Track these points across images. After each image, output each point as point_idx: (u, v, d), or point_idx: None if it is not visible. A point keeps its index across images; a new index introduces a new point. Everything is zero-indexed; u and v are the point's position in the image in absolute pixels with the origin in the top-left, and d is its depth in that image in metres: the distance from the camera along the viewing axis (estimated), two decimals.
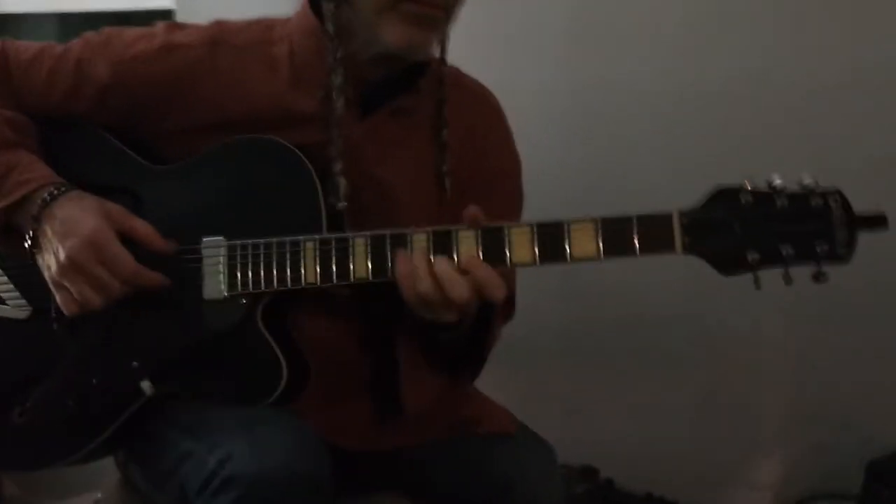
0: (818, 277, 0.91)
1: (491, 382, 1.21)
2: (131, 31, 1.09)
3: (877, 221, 0.90)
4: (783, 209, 0.90)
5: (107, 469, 1.22)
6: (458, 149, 1.11)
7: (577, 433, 1.24)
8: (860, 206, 0.91)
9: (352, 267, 0.97)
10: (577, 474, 1.60)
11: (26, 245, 1.00)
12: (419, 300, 0.94)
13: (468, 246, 0.96)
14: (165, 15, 1.87)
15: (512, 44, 1.62)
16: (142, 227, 1.00)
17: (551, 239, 0.94)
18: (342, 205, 1.02)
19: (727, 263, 0.92)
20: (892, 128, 1.51)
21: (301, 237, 0.98)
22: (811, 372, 1.58)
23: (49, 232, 0.98)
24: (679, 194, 0.94)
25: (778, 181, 0.92)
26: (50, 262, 0.98)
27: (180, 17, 1.79)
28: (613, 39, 1.61)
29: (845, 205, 0.90)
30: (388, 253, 0.97)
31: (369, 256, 0.97)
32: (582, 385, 1.15)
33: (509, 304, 1.09)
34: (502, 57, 1.59)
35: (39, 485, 1.68)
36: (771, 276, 0.93)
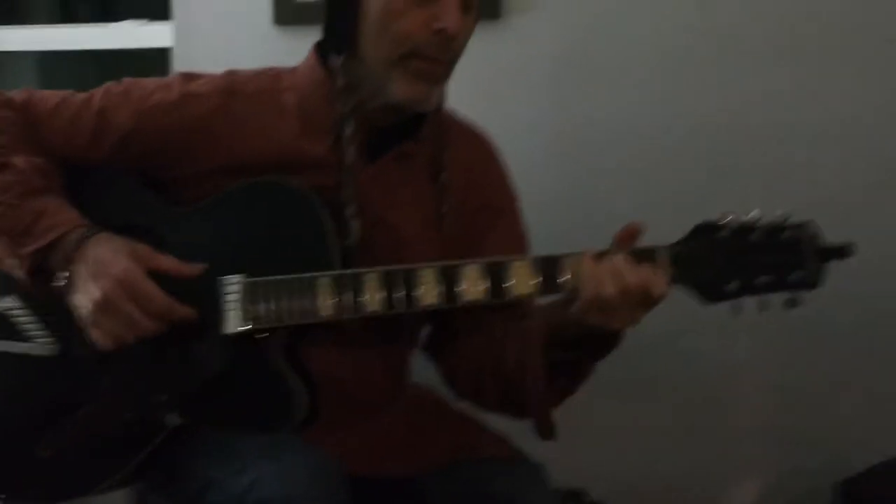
0: (791, 304, 0.99)
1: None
2: (149, 82, 1.16)
3: (844, 252, 0.98)
4: (759, 241, 0.99)
5: (118, 499, 1.26)
6: (458, 189, 1.18)
7: (564, 458, 1.29)
8: (840, 235, 1.00)
9: (366, 301, 1.04)
10: (566, 498, 1.66)
11: (61, 285, 1.05)
12: (599, 303, 0.98)
13: (473, 280, 1.03)
14: (162, 53, 1.93)
15: (500, 83, 1.68)
16: (167, 262, 1.05)
17: (548, 271, 1.02)
18: (352, 244, 1.08)
19: (710, 293, 1.00)
20: (871, 163, 1.61)
21: (317, 274, 1.04)
22: (784, 394, 1.65)
23: (83, 272, 1.02)
24: (665, 226, 1.03)
25: (754, 214, 1.01)
26: (83, 301, 1.03)
27: (177, 57, 1.84)
28: (600, 77, 1.67)
29: (815, 236, 0.99)
30: (399, 288, 1.03)
31: (381, 291, 1.04)
32: (567, 411, 1.21)
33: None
34: (490, 96, 1.65)
35: None
36: (747, 303, 1.02)
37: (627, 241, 1.01)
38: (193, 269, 1.06)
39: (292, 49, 1.77)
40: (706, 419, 1.69)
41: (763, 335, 1.60)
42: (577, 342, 1.06)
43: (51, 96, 1.15)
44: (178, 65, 1.83)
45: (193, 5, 1.83)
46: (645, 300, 0.98)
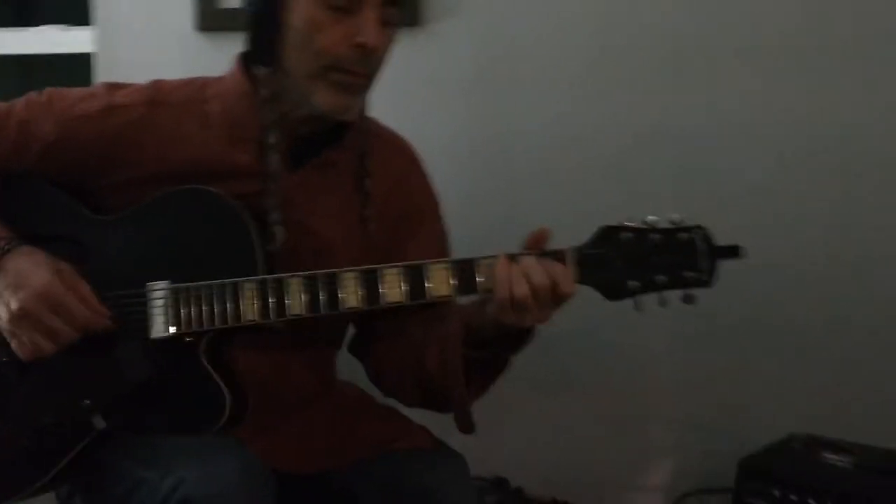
0: (687, 300, 1.08)
1: None
2: (73, 92, 1.17)
3: (732, 252, 1.07)
4: (656, 243, 1.07)
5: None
6: (381, 195, 1.22)
7: (487, 448, 1.34)
8: (726, 237, 1.08)
9: (288, 304, 1.08)
10: (489, 486, 1.73)
11: None
12: (512, 302, 1.04)
13: (393, 283, 1.08)
14: (84, 59, 1.92)
15: (420, 89, 1.72)
16: (85, 291, 1.07)
17: (465, 273, 1.08)
18: (277, 249, 1.12)
19: (613, 291, 1.07)
20: (763, 164, 1.73)
21: (241, 279, 1.08)
22: (691, 384, 1.75)
23: (1, 284, 1.04)
24: (580, 228, 1.11)
25: (651, 218, 1.08)
26: (2, 312, 1.04)
27: (101, 62, 1.83)
28: (518, 83, 1.73)
29: (707, 238, 1.07)
30: (321, 291, 1.08)
31: (303, 295, 1.08)
32: (489, 403, 1.27)
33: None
34: (411, 102, 1.69)
35: None
36: (652, 300, 1.10)
37: (537, 244, 1.08)
38: (100, 313, 1.08)
39: (214, 55, 1.78)
40: (620, 408, 1.78)
41: (671, 330, 1.70)
42: (493, 340, 1.13)
43: None
44: (101, 70, 1.83)
45: (115, 11, 1.83)
46: (554, 298, 1.05)
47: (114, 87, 1.18)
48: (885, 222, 1.63)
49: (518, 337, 1.13)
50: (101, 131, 1.13)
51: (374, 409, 1.31)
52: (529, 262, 1.05)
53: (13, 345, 1.06)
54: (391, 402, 1.32)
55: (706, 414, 1.75)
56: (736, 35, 1.68)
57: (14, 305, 1.03)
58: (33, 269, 1.04)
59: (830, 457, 1.49)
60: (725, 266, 1.08)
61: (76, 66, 1.95)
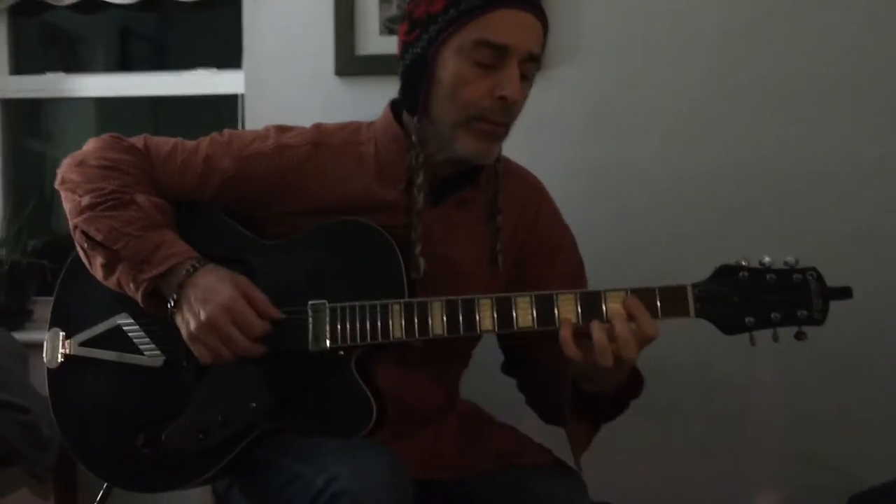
0: (799, 337, 1.15)
1: (528, 426, 1.42)
2: (248, 133, 1.33)
3: (844, 293, 1.14)
4: (772, 283, 1.14)
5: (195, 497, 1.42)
6: (511, 228, 1.34)
7: (594, 471, 1.42)
8: (832, 275, 1.15)
9: (430, 325, 1.20)
10: None
11: (169, 306, 1.22)
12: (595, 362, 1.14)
13: (524, 309, 1.19)
14: (233, 100, 2.13)
15: (541, 127, 1.86)
16: (260, 298, 1.21)
17: (591, 303, 1.18)
18: (419, 277, 1.24)
19: (729, 326, 1.15)
20: (858, 208, 1.79)
21: (390, 300, 1.20)
22: (798, 418, 1.79)
23: (192, 297, 1.19)
24: (683, 257, 1.18)
25: (767, 259, 1.16)
26: (189, 321, 1.19)
27: (249, 103, 2.01)
28: (629, 123, 1.86)
29: (820, 279, 1.14)
30: (460, 314, 1.20)
31: (444, 317, 1.20)
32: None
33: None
34: (533, 138, 1.84)
35: None
36: (762, 335, 1.17)
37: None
38: (276, 313, 1.22)
39: (351, 98, 1.97)
40: (727, 439, 1.83)
41: (780, 363, 1.75)
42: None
43: (164, 143, 1.32)
44: (248, 109, 2.02)
45: (262, 56, 2.02)
46: (638, 340, 1.14)
47: (282, 129, 1.34)
48: None
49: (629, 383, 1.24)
50: (272, 167, 1.28)
51: (494, 425, 1.42)
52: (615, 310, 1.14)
53: (195, 350, 1.21)
54: (509, 420, 1.42)
55: (814, 449, 1.78)
56: (844, 77, 1.76)
57: (203, 316, 1.18)
58: (218, 284, 1.19)
59: None
60: (839, 304, 1.14)
61: (220, 106, 2.17)
